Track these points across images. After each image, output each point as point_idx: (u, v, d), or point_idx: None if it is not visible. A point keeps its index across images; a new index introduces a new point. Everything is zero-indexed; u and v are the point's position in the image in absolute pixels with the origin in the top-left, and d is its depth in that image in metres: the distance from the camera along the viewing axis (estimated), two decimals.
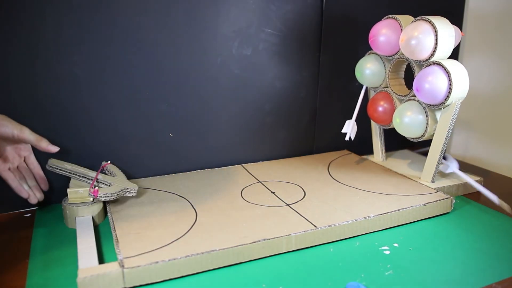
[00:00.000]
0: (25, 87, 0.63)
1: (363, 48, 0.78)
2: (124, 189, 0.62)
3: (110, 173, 0.67)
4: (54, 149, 0.61)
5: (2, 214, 0.66)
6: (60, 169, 0.63)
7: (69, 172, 0.63)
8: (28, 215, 0.66)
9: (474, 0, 0.91)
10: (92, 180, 0.63)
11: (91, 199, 0.61)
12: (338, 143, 0.88)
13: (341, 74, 0.82)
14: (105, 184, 0.63)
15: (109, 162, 0.68)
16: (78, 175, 0.63)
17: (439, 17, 0.65)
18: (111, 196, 0.60)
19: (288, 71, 0.80)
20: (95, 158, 0.69)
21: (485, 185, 0.75)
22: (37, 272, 0.50)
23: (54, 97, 0.65)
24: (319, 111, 0.85)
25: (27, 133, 0.59)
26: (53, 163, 0.63)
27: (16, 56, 0.62)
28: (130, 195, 0.63)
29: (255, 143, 0.82)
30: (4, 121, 0.58)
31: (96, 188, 0.59)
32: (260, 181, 0.72)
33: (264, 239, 0.53)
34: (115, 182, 0.63)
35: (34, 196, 0.63)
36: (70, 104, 0.66)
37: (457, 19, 0.92)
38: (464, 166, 0.85)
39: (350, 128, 0.75)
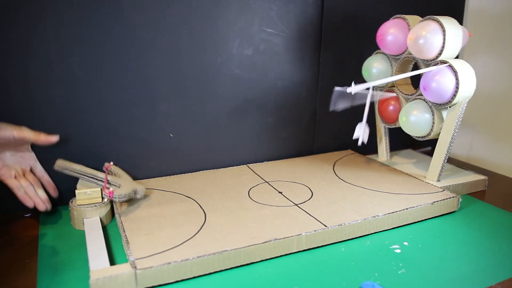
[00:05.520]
0: (24, 87, 0.62)
1: (364, 48, 0.78)
2: (134, 190, 0.62)
3: (115, 174, 0.66)
4: (54, 138, 0.60)
5: (6, 214, 0.65)
6: (68, 170, 0.62)
7: (78, 173, 0.62)
8: (28, 215, 0.65)
9: (474, 0, 0.91)
10: (100, 181, 0.62)
11: (106, 199, 0.61)
12: (338, 143, 0.88)
13: (341, 74, 0.82)
14: (115, 185, 0.62)
15: (111, 163, 0.67)
16: (87, 176, 0.62)
17: (447, 17, 0.65)
18: (124, 197, 0.60)
19: (288, 71, 0.80)
20: (95, 159, 0.68)
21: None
22: (47, 276, 0.50)
23: (54, 97, 0.64)
24: (319, 111, 0.85)
25: (26, 132, 0.59)
26: (61, 164, 0.62)
27: (16, 56, 0.61)
28: (139, 196, 0.62)
29: (257, 143, 0.81)
30: (3, 125, 0.58)
31: (111, 189, 0.59)
32: (266, 181, 0.72)
33: (275, 239, 0.53)
34: (123, 183, 0.62)
35: (42, 203, 0.61)
36: (69, 105, 0.65)
37: (457, 19, 0.92)
38: (468, 167, 0.85)
39: (362, 132, 0.70)
